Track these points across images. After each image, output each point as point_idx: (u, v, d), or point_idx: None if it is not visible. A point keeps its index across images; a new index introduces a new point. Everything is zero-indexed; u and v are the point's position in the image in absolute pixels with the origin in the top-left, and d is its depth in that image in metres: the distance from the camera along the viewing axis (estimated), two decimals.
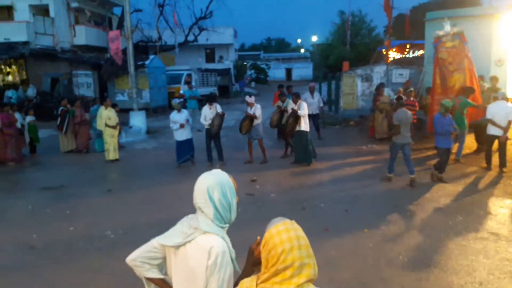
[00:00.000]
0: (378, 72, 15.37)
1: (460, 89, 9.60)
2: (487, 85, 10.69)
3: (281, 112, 10.13)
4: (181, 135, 9.74)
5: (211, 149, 10.04)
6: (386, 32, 35.74)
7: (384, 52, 20.43)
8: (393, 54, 22.30)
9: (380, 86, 12.44)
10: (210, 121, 9.67)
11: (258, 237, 1.99)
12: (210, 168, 9.74)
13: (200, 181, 2.04)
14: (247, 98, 10.04)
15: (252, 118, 9.74)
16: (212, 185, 2.00)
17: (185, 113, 9.84)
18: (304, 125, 9.51)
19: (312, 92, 12.64)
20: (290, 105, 9.95)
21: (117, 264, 5.01)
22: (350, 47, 38.56)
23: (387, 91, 12.52)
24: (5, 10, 23.45)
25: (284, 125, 10.07)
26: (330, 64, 47.11)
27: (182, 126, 9.61)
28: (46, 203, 7.57)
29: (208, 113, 9.78)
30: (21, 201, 7.76)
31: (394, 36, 26.12)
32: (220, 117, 9.68)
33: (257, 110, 9.82)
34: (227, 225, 2.05)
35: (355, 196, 7.35)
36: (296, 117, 9.44)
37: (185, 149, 9.87)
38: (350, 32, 36.66)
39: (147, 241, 2.21)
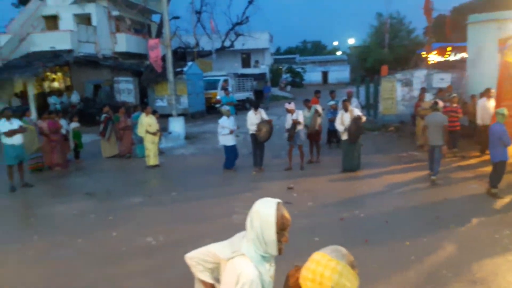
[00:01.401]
0: (418, 77, 15.00)
1: None
2: None
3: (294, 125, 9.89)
4: (229, 140, 9.96)
5: (257, 154, 10.15)
6: (425, 34, 34.81)
7: (424, 55, 19.91)
8: (434, 57, 21.69)
9: (422, 92, 12.16)
10: (255, 127, 9.79)
11: (296, 265, 2.00)
12: (257, 172, 9.96)
13: (252, 207, 2.08)
14: (287, 105, 9.98)
15: (296, 123, 9.75)
16: (255, 213, 2.03)
17: (232, 120, 10.08)
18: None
19: (349, 97, 12.47)
20: (300, 116, 9.88)
21: (159, 270, 5.15)
22: (388, 50, 37.81)
23: (428, 96, 12.22)
24: (51, 19, 24.57)
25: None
26: (367, 67, 46.29)
27: (231, 132, 9.84)
28: (90, 209, 7.84)
29: (253, 118, 9.87)
30: (66, 206, 8.07)
31: (434, 38, 25.36)
32: (267, 123, 9.74)
33: (299, 116, 9.82)
34: (268, 255, 2.05)
35: (396, 206, 7.19)
36: (357, 124, 9.24)
37: (233, 154, 10.11)
38: (388, 35, 35.94)
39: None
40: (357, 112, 9.40)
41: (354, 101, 12.61)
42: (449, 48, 21.73)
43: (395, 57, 41.51)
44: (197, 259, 2.29)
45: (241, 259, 2.02)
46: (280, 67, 46.68)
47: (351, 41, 63.34)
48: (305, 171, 9.96)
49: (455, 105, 10.65)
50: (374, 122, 16.27)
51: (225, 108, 10.28)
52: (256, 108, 9.95)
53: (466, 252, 5.32)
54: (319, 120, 10.47)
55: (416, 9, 17.03)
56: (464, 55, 17.39)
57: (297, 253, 4.70)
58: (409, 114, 14.37)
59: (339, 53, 73.98)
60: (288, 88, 42.66)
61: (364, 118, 9.45)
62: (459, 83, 13.71)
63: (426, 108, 11.60)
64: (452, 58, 20.47)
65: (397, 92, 15.15)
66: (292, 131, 9.80)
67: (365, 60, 47.81)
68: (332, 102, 12.21)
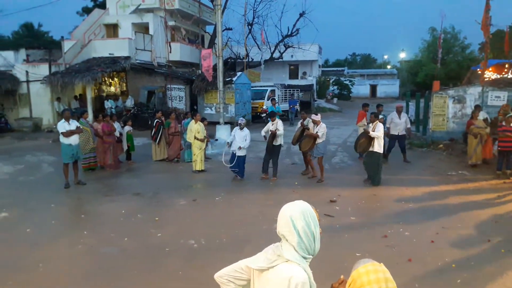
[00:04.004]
0: (471, 94, 14.44)
1: None
2: None
3: (303, 130, 10.41)
4: (237, 150, 10.32)
5: (267, 162, 10.51)
6: (481, 49, 33.40)
7: (479, 72, 19.14)
8: (489, 74, 20.77)
9: (476, 109, 11.73)
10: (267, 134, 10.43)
11: (342, 276, 2.01)
12: (263, 179, 10.33)
13: (284, 210, 2.08)
14: (313, 116, 10.17)
15: (315, 137, 9.94)
16: (296, 214, 2.03)
17: (245, 132, 10.38)
18: (378, 146, 9.47)
19: (399, 112, 12.27)
20: (310, 123, 10.22)
21: (199, 274, 5.25)
22: (440, 65, 36.66)
23: (482, 115, 11.76)
24: (111, 28, 25.95)
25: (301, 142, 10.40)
26: (418, 81, 45.17)
27: (228, 144, 10.46)
28: (138, 209, 8.16)
29: (270, 128, 10.37)
30: (115, 205, 8.46)
31: (491, 55, 24.28)
32: (272, 134, 10.19)
33: (321, 129, 9.97)
34: (311, 256, 2.06)
35: (443, 226, 6.93)
36: (369, 137, 9.44)
37: (235, 162, 10.35)
38: (441, 50, 34.83)
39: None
40: (380, 127, 9.42)
41: (403, 116, 12.37)
42: (507, 65, 20.73)
43: (448, 72, 40.20)
44: (228, 277, 2.26)
45: (287, 264, 2.01)
46: (328, 79, 46.43)
47: (402, 55, 61.87)
48: (350, 184, 9.84)
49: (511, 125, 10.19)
50: (423, 138, 15.81)
51: (241, 120, 10.64)
52: (273, 118, 10.47)
53: None
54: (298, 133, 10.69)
55: (472, 24, 16.41)
56: None
57: (337, 267, 4.69)
58: (460, 131, 13.87)
59: (389, 67, 72.54)
60: (335, 100, 42.32)
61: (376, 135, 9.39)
62: None
63: (480, 126, 11.19)
64: (510, 75, 19.52)
65: (448, 109, 14.66)
66: (305, 140, 10.12)
67: (415, 74, 46.71)
68: (379, 116, 12.03)
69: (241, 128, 10.37)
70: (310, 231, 2.02)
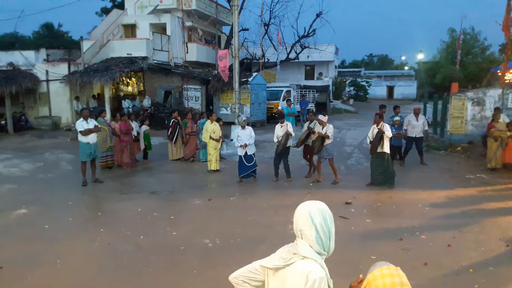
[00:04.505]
0: (491, 96, 14.16)
1: None
2: None
3: (309, 132, 10.25)
4: (242, 150, 10.25)
5: (278, 165, 10.43)
6: (502, 51, 32.76)
7: (500, 74, 18.79)
8: (510, 76, 20.37)
9: (496, 112, 11.51)
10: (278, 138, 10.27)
11: (361, 276, 2.01)
12: (275, 182, 10.25)
13: (302, 207, 2.12)
14: (321, 117, 10.04)
15: (324, 137, 9.81)
16: (314, 210, 2.07)
17: (249, 130, 10.39)
18: (386, 147, 9.40)
19: (417, 114, 12.13)
20: (317, 126, 10.02)
21: (213, 273, 5.28)
22: (459, 67, 36.13)
23: (502, 117, 11.54)
24: (129, 28, 26.29)
25: (309, 144, 10.28)
26: (436, 83, 44.59)
27: (242, 147, 10.16)
28: (154, 207, 8.26)
29: (279, 130, 10.29)
30: (132, 203, 8.55)
31: None
32: (286, 137, 10.08)
33: (328, 129, 9.85)
34: (326, 253, 2.08)
35: (461, 231, 6.82)
36: (380, 138, 9.32)
37: (246, 164, 10.26)
38: (460, 51, 34.35)
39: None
40: (388, 127, 9.37)
41: (421, 118, 12.22)
42: None
43: (467, 74, 39.59)
44: (243, 278, 2.27)
45: (304, 261, 2.03)
46: (344, 79, 46.14)
47: (420, 56, 61.01)
48: (365, 187, 9.77)
49: None
50: (441, 141, 15.59)
51: (242, 118, 10.66)
52: (282, 121, 10.37)
53: None
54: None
55: (493, 25, 16.11)
56: None
57: (352, 270, 4.67)
58: (479, 134, 13.63)
59: (406, 68, 71.71)
60: (351, 101, 42.02)
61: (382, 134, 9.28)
62: None
63: (500, 129, 10.99)
64: None
65: (467, 111, 14.42)
66: (317, 143, 9.93)
67: (433, 76, 46.11)
68: (396, 118, 11.94)
69: (243, 127, 10.39)
70: (326, 227, 2.05)
